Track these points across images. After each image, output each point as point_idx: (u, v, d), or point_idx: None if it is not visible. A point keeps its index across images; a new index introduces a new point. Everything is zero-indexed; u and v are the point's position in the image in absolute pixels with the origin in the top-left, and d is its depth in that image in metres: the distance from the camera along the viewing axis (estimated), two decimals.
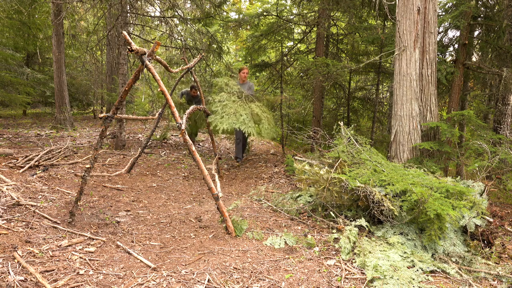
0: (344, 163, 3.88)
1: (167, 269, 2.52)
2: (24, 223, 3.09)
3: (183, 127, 3.13)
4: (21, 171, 4.51)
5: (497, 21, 6.21)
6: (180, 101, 7.52)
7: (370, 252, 2.77)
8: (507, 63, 6.54)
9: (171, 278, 2.39)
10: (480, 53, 7.84)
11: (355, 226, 3.20)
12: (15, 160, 4.95)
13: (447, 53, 7.92)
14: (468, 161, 4.59)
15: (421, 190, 2.94)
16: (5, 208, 3.30)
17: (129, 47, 2.89)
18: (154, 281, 2.35)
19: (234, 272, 2.52)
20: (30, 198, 3.71)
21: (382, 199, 3.07)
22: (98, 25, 11.17)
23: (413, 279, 2.44)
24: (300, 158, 5.56)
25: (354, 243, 2.95)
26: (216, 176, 3.88)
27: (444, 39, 7.37)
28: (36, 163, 4.88)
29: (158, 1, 8.44)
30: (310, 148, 8.57)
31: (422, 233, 3.08)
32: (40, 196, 3.82)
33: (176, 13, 8.08)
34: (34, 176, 4.42)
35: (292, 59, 9.78)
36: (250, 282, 2.39)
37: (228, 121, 4.73)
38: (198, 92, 7.32)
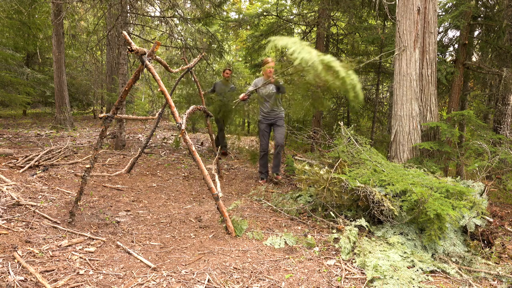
0: (344, 163, 3.88)
1: (167, 269, 2.52)
2: (24, 223, 3.09)
3: (183, 127, 3.13)
4: (21, 171, 4.51)
5: (497, 21, 6.22)
6: (211, 96, 6.71)
7: (370, 252, 2.77)
8: (507, 63, 6.55)
9: (171, 278, 2.39)
10: (480, 53, 7.85)
11: (355, 226, 3.20)
12: (15, 160, 4.95)
13: (447, 53, 7.94)
14: (468, 161, 4.59)
15: (421, 190, 2.94)
16: (5, 208, 3.30)
17: (129, 47, 2.89)
18: (154, 281, 2.35)
19: (234, 272, 2.52)
20: (30, 198, 3.71)
21: (382, 199, 3.07)
22: (98, 25, 11.18)
23: (413, 279, 2.44)
24: (300, 158, 5.56)
25: (354, 243, 2.95)
26: (216, 176, 3.88)
27: (444, 39, 7.38)
28: (36, 163, 4.88)
29: (158, 1, 8.44)
30: (310, 148, 8.58)
31: (422, 233, 3.08)
32: (40, 196, 3.82)
33: (176, 13, 8.08)
34: (34, 176, 4.42)
35: None
36: (250, 282, 2.39)
37: (309, 55, 3.35)
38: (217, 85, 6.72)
